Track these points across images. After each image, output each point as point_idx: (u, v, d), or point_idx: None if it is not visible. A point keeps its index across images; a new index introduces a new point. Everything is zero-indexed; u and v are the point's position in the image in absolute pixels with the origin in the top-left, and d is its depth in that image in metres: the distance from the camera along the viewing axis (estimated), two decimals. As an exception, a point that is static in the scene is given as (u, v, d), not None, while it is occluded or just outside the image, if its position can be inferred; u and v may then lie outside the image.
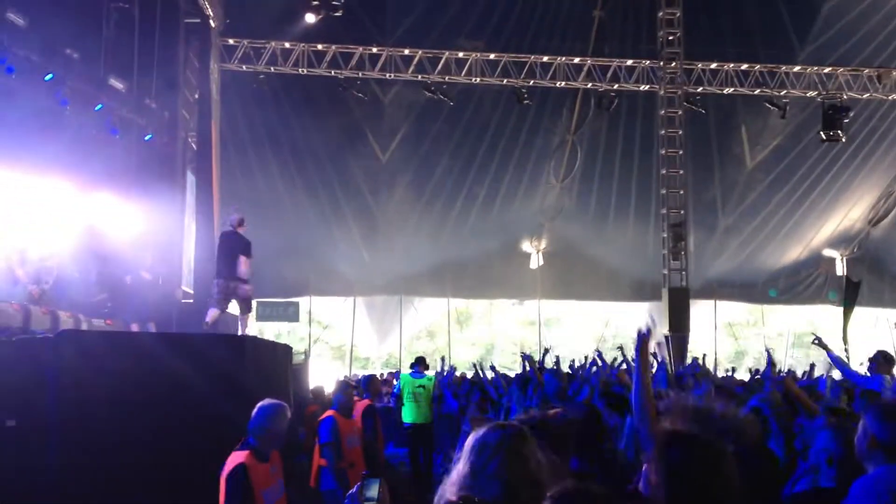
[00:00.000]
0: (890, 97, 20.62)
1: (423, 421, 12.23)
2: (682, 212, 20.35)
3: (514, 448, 2.65)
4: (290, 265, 20.07)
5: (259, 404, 5.04)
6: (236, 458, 4.87)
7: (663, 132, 20.44)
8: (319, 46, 19.12)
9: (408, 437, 12.40)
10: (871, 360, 7.80)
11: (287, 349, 10.10)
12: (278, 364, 9.03)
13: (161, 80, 14.99)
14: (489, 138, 20.83)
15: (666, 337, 20.01)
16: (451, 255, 21.84)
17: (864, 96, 20.49)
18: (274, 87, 19.26)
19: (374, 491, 2.78)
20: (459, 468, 2.67)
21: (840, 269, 22.82)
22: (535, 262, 22.40)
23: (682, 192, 20.33)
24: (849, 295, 19.27)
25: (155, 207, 13.46)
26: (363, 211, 21.19)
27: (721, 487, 2.46)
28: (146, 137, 14.65)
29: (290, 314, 20.03)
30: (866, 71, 20.47)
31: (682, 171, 20.33)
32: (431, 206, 21.39)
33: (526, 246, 22.55)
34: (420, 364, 12.76)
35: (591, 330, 25.12)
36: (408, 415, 12.31)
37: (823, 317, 23.05)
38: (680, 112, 20.30)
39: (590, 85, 20.21)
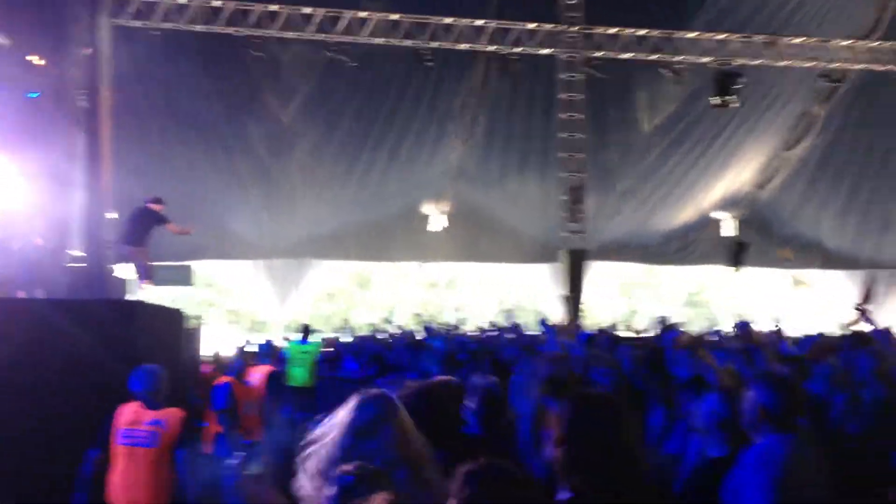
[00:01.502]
0: (779, 64, 21.30)
1: (306, 384, 12.80)
2: (581, 175, 20.71)
3: (386, 420, 2.67)
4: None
5: (136, 368, 5.11)
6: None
7: (563, 96, 20.69)
8: (217, 3, 18.58)
9: (293, 401, 12.74)
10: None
11: (179, 313, 9.92)
12: (169, 328, 8.88)
13: (48, 35, 14.35)
14: (391, 100, 20.66)
15: (562, 298, 20.46)
16: (353, 218, 21.71)
17: (756, 63, 21.12)
18: (169, 45, 18.60)
19: (254, 461, 2.77)
20: (331, 438, 2.66)
21: (730, 231, 23.62)
22: (438, 224, 22.46)
23: (581, 155, 20.68)
24: (737, 256, 19.95)
25: (43, 169, 12.96)
26: (262, 173, 20.80)
27: (619, 444, 2.54)
28: (31, 95, 14.02)
29: (185, 278, 19.56)
30: (758, 38, 21.09)
31: (581, 135, 20.67)
32: (332, 169, 21.17)
33: (428, 208, 22.57)
34: (304, 331, 13.36)
35: (493, 292, 25.46)
36: (293, 379, 12.81)
37: (713, 277, 23.87)
38: (580, 76, 20.57)
39: (492, 47, 20.25)
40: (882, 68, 21.81)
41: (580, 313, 19.94)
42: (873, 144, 23.27)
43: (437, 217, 22.35)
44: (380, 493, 2.13)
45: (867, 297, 16.02)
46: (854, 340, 6.51)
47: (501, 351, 8.85)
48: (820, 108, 22.62)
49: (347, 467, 2.54)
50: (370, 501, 1.94)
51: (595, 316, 21.22)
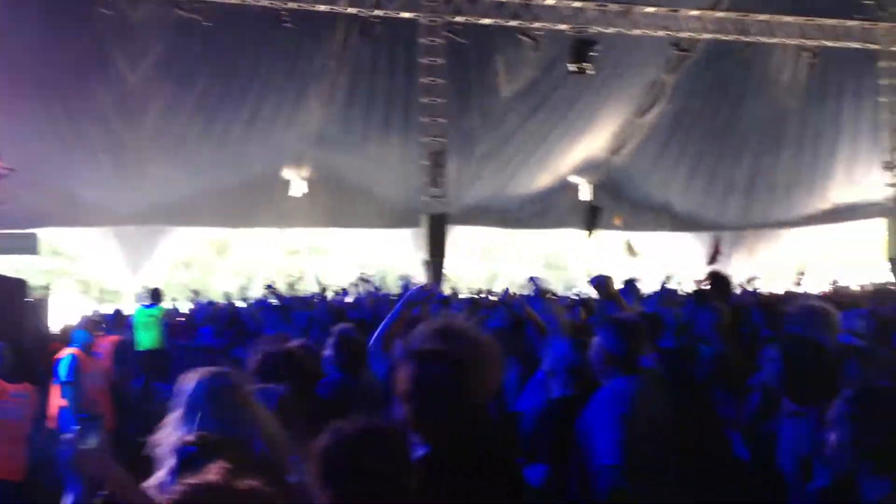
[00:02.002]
0: (633, 32, 21.92)
1: (154, 346, 12.47)
2: (442, 140, 20.80)
3: (223, 393, 2.62)
4: (29, 195, 18.41)
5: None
6: None
7: (424, 61, 20.66)
8: (59, -46, 17.51)
9: (142, 365, 12.39)
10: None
11: (20, 283, 9.41)
12: (11, 299, 8.41)
13: None
14: (248, 62, 20.07)
15: (425, 262, 20.57)
16: (209, 183, 21.03)
17: (610, 31, 21.66)
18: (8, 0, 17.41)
19: (91, 435, 2.65)
20: (177, 412, 2.60)
21: (585, 196, 24.28)
22: (298, 189, 22.09)
23: (442, 120, 20.75)
24: (591, 220, 20.55)
25: None
26: (111, 136, 19.82)
27: (465, 400, 2.55)
28: None
29: (29, 246, 18.48)
30: (613, 6, 21.64)
31: (442, 100, 20.72)
32: (186, 132, 20.42)
33: (289, 173, 22.15)
34: (153, 295, 13.03)
35: (355, 258, 25.34)
36: (140, 343, 12.47)
37: (570, 241, 24.52)
38: (440, 41, 20.57)
39: (352, 10, 19.96)
40: (727, 38, 22.78)
41: (442, 278, 20.09)
42: (718, 111, 24.38)
43: (297, 182, 21.97)
44: (218, 461, 2.05)
45: (713, 258, 16.82)
46: (697, 297, 6.79)
47: (361, 314, 8.83)
48: (670, 77, 23.47)
49: (189, 438, 2.47)
50: (207, 470, 1.87)
51: (458, 280, 21.42)
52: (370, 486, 2.03)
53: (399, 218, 22.43)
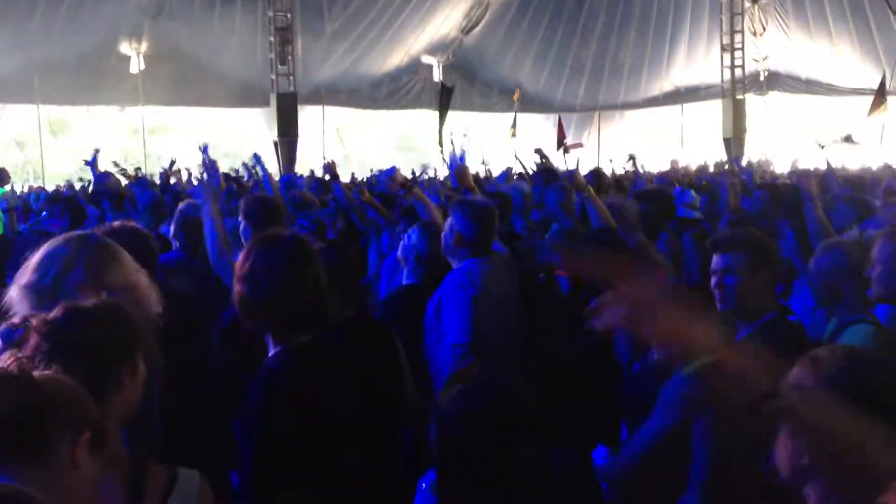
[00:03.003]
0: None
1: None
2: (289, 15, 19.99)
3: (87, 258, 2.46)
4: None
5: None
6: None
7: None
8: None
9: None
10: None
11: None
12: None
13: None
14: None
15: (274, 143, 20.08)
16: (40, 57, 19.46)
17: None
18: None
19: None
20: (24, 281, 2.43)
21: (437, 76, 24.12)
22: (136, 65, 20.85)
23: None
24: (443, 100, 20.48)
25: None
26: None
27: (301, 283, 2.50)
28: None
29: None
30: None
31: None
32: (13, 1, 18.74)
33: (125, 47, 20.82)
34: None
35: (202, 138, 24.32)
36: None
37: (422, 121, 24.40)
38: None
39: None
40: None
41: (294, 159, 19.70)
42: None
43: (136, 58, 20.70)
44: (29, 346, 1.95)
45: (562, 138, 17.16)
46: (544, 176, 6.88)
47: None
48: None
49: (14, 320, 2.31)
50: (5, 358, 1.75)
51: (308, 161, 21.02)
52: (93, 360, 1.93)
53: (246, 97, 21.63)
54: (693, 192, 7.29)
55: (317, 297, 2.52)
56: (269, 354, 2.52)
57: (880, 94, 20.77)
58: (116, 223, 3.45)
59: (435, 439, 2.27)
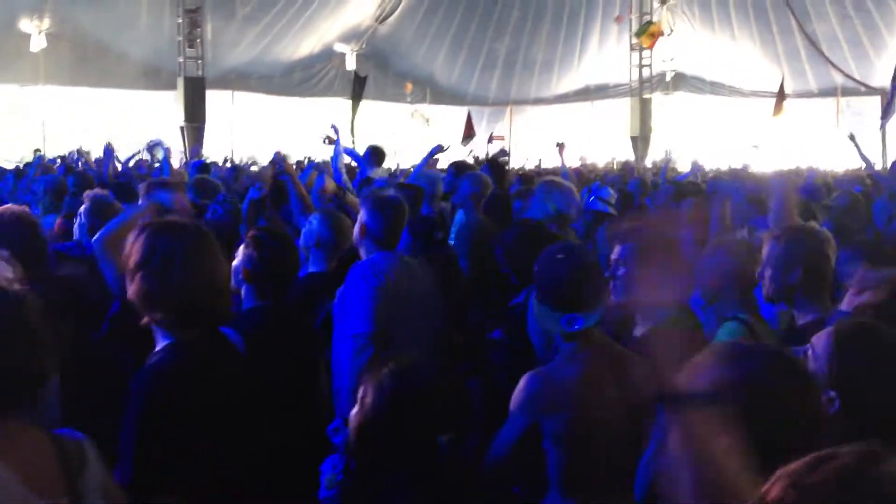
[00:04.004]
0: None
1: None
2: (199, -3, 19.57)
3: None
4: None
5: None
6: None
7: None
8: None
9: None
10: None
11: None
12: None
13: None
14: None
15: (181, 127, 19.60)
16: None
17: None
18: None
19: None
20: None
21: (350, 64, 23.92)
22: (37, 43, 20.03)
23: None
24: (356, 89, 20.32)
25: None
26: None
27: (200, 270, 2.42)
28: None
29: None
30: None
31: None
32: None
33: (26, 25, 19.98)
34: None
35: (102, 121, 23.56)
36: None
37: (336, 110, 24.14)
38: None
39: None
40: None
41: (201, 144, 19.25)
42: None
43: (37, 35, 19.87)
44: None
45: (468, 132, 17.20)
46: (457, 169, 6.90)
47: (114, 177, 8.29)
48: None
49: None
50: None
51: (216, 147, 20.58)
52: None
53: (151, 79, 21.04)
54: (610, 188, 7.45)
55: (213, 290, 2.44)
56: (156, 348, 2.41)
57: (780, 97, 21.56)
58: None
59: (351, 427, 2.25)
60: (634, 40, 25.08)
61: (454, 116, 25.33)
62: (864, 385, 1.95)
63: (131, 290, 2.36)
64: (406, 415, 2.18)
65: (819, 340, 2.06)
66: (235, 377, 2.49)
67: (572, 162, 17.66)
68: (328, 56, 23.94)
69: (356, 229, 3.82)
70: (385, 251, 3.74)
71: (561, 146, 9.95)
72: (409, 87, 24.60)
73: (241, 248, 3.32)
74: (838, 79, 24.19)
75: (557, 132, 24.99)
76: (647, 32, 23.25)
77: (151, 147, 8.33)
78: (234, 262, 3.24)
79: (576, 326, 2.76)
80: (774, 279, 3.01)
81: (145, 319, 2.38)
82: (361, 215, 3.81)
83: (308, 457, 2.61)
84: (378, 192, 4.20)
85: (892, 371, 1.96)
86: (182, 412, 2.26)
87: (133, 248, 2.38)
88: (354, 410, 2.26)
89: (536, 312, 2.91)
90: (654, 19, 24.62)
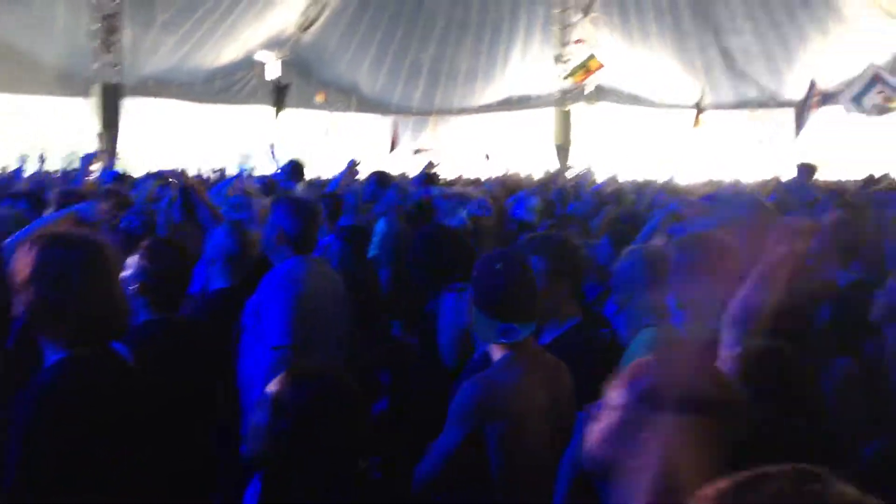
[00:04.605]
0: None
1: None
2: (117, 1, 19.08)
3: None
4: None
5: None
6: None
7: None
8: None
9: None
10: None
11: None
12: None
13: None
14: None
15: (98, 135, 19.11)
16: None
17: None
18: None
19: None
20: None
21: (272, 72, 23.64)
22: (-56, 47, 19.26)
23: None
24: (277, 98, 20.12)
25: None
26: None
27: (104, 287, 2.34)
28: None
29: None
30: None
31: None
32: None
33: (-68, 28, 19.21)
34: None
35: (10, 128, 22.78)
36: None
37: (258, 118, 23.82)
38: None
39: None
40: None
41: (116, 153, 18.77)
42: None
43: (-58, 40, 19.12)
44: None
45: (394, 142, 17.23)
46: (380, 179, 6.88)
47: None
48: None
49: None
50: None
51: (138, 157, 20.08)
52: None
53: (65, 85, 20.41)
54: (536, 198, 7.54)
55: (110, 305, 2.35)
56: (47, 364, 2.30)
57: (699, 110, 22.17)
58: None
59: (263, 440, 2.18)
60: (557, 51, 25.34)
61: (379, 125, 25.30)
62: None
63: (23, 303, 2.25)
64: (321, 426, 2.13)
65: None
66: (128, 394, 2.39)
67: (497, 172, 17.82)
68: (250, 63, 23.61)
69: (270, 233, 3.73)
70: (302, 256, 3.68)
71: (488, 157, 10.06)
72: (322, 96, 24.41)
73: (135, 259, 3.22)
74: (752, 92, 24.87)
75: (481, 142, 25.25)
76: (584, 68, 23.51)
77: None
78: (125, 273, 3.11)
79: (513, 337, 2.77)
80: (681, 286, 3.05)
81: (37, 333, 2.28)
82: (275, 219, 3.73)
83: (205, 475, 2.54)
84: (292, 196, 4.13)
85: None
86: (72, 431, 2.16)
87: (24, 261, 2.27)
88: (254, 426, 2.19)
89: (473, 318, 2.89)
90: (577, 31, 24.98)
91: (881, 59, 22.16)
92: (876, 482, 1.04)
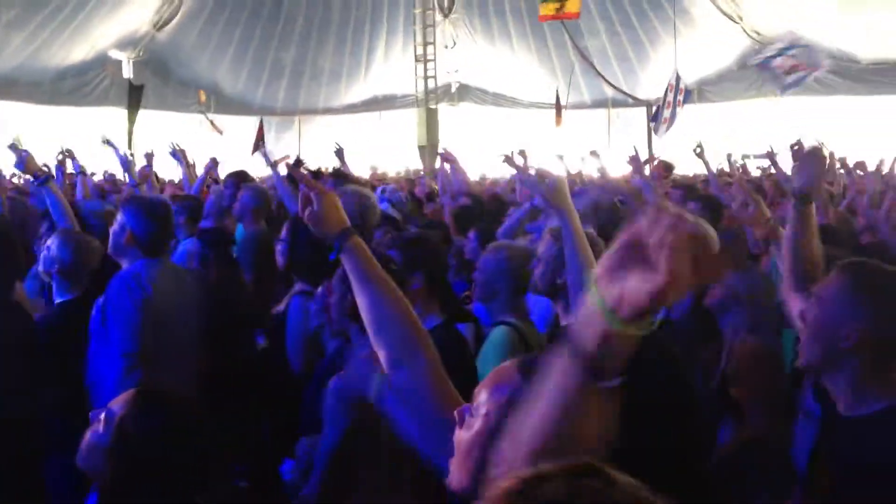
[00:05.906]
0: None
1: None
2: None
3: None
4: None
5: None
6: None
7: None
8: None
9: None
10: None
11: None
12: None
13: None
14: None
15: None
16: None
17: None
18: None
19: None
20: None
21: (126, 73, 22.78)
22: None
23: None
24: (132, 99, 19.37)
25: None
26: None
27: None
28: None
29: None
30: None
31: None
32: None
33: None
34: None
35: None
36: None
37: (111, 120, 22.88)
38: None
39: None
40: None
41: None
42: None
43: None
44: None
45: (258, 141, 16.87)
46: (237, 181, 6.76)
47: None
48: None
49: None
50: None
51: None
52: None
53: None
54: (401, 193, 7.57)
55: None
56: None
57: (558, 109, 22.73)
58: None
59: (102, 458, 2.10)
60: (419, 51, 25.40)
61: (243, 126, 24.72)
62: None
63: None
64: (154, 455, 2.06)
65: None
66: None
67: (363, 171, 17.77)
68: (102, 63, 22.64)
69: (118, 235, 3.57)
70: (151, 258, 3.53)
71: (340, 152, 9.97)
72: (203, 95, 23.75)
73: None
74: (608, 91, 25.65)
75: (347, 142, 25.06)
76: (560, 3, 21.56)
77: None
78: None
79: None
80: (546, 275, 3.11)
81: None
82: (124, 220, 3.56)
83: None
84: (142, 197, 3.97)
85: None
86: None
87: None
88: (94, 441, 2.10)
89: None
90: (438, 32, 25.13)
91: (728, 60, 23.36)
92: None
